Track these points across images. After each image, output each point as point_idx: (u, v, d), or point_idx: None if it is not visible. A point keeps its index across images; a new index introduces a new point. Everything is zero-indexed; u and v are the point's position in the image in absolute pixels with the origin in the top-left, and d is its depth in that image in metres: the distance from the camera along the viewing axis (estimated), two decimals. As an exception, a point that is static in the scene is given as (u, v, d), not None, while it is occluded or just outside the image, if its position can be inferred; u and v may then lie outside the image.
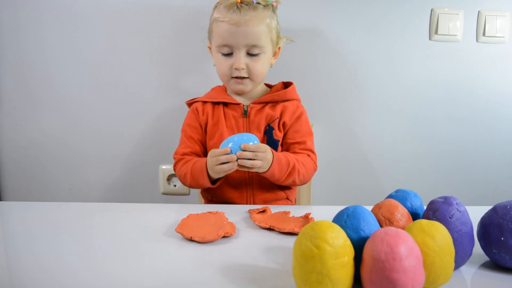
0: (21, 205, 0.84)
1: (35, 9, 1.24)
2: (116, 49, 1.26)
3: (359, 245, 0.47)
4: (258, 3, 0.93)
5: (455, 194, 0.61)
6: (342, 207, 0.52)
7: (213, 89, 1.07)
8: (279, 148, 0.98)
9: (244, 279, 0.52)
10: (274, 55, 1.02)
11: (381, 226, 0.53)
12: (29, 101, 1.29)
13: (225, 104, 1.00)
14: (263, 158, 0.83)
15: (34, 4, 1.23)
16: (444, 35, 1.25)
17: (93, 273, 0.53)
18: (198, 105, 1.02)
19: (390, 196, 0.60)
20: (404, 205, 0.58)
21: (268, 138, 0.96)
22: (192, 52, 1.25)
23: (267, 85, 1.07)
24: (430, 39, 1.26)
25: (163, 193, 1.34)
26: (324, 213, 0.62)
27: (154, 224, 0.70)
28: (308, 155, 0.97)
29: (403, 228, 0.50)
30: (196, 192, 1.27)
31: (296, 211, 0.77)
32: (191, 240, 0.63)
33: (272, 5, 0.97)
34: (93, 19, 1.24)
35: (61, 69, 1.27)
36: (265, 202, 0.97)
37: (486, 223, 0.54)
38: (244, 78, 0.96)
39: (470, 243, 0.52)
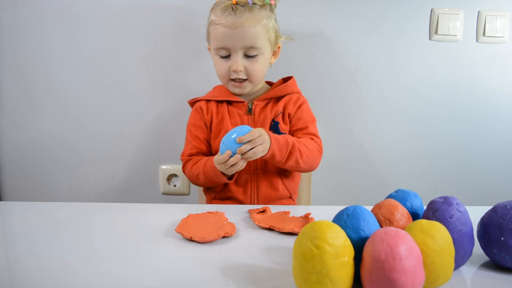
0: (21, 205, 0.84)
1: (35, 9, 1.24)
2: (116, 49, 1.26)
3: (359, 245, 0.47)
4: (254, 3, 0.92)
5: (455, 194, 0.61)
6: (342, 207, 0.52)
7: (215, 87, 1.07)
8: None
9: (244, 279, 0.52)
10: (273, 55, 1.02)
11: (381, 226, 0.53)
12: (29, 101, 1.29)
13: (229, 102, 1.01)
14: (262, 141, 0.84)
15: (34, 4, 1.23)
16: (444, 35, 1.25)
17: (93, 273, 0.53)
18: (202, 104, 1.02)
19: (390, 196, 0.60)
20: (404, 205, 0.58)
21: (275, 133, 0.97)
22: (192, 52, 1.25)
23: (268, 82, 1.08)
24: (430, 39, 1.26)
25: (163, 193, 1.34)
26: (324, 213, 0.62)
27: (154, 224, 0.70)
28: (311, 138, 0.97)
29: (403, 228, 0.50)
30: (196, 192, 1.27)
31: (296, 211, 0.77)
32: (191, 240, 0.63)
33: (270, 5, 0.96)
34: (93, 19, 1.24)
35: (61, 69, 1.27)
36: (269, 200, 0.98)
37: (486, 223, 0.54)
38: (243, 80, 0.97)
39: (470, 243, 0.52)
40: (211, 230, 0.65)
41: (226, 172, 0.88)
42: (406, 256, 0.42)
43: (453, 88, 1.29)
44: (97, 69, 1.27)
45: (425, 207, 0.56)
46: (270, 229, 0.69)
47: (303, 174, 1.11)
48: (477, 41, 1.27)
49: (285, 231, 0.67)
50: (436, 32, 1.25)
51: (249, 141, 0.82)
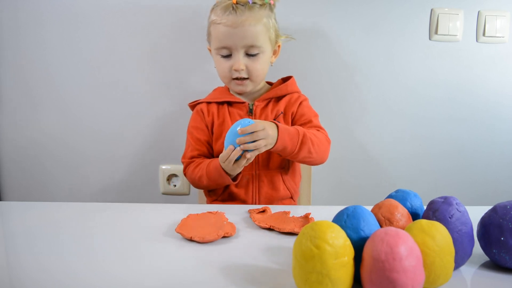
0: (21, 205, 0.84)
1: (35, 9, 1.24)
2: (116, 49, 1.26)
3: (359, 245, 0.47)
4: (254, 2, 0.93)
5: (455, 194, 0.61)
6: (342, 207, 0.52)
7: (215, 89, 1.07)
8: None
9: (244, 279, 0.52)
10: (274, 54, 1.02)
11: (381, 226, 0.53)
12: (29, 101, 1.29)
13: (229, 103, 1.01)
14: (265, 136, 0.82)
15: (34, 4, 1.23)
16: (444, 35, 1.25)
17: (93, 273, 0.53)
18: (203, 106, 1.02)
19: (390, 196, 0.60)
20: (404, 205, 0.58)
21: None
22: (192, 52, 1.25)
23: (268, 82, 1.08)
24: (430, 39, 1.26)
25: (163, 193, 1.34)
26: (324, 213, 0.62)
27: (154, 224, 0.70)
28: (318, 130, 0.97)
29: (403, 228, 0.50)
30: (196, 192, 1.27)
31: (296, 211, 0.77)
32: (191, 240, 0.63)
33: (270, 4, 0.96)
34: (93, 19, 1.24)
35: (61, 69, 1.27)
36: (270, 200, 0.98)
37: (486, 223, 0.54)
38: (244, 79, 0.97)
39: (470, 243, 0.52)
40: (211, 230, 0.65)
41: (230, 171, 0.88)
42: (406, 256, 0.42)
43: (453, 88, 1.29)
44: (97, 69, 1.27)
45: (425, 207, 0.56)
46: (270, 229, 0.69)
47: (303, 174, 1.11)
48: (477, 41, 1.27)
49: (285, 231, 0.67)
50: (436, 32, 1.25)
51: (252, 133, 0.80)
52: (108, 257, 0.59)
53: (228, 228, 0.66)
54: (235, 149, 0.82)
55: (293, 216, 0.74)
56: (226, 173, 0.89)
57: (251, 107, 0.99)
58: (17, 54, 1.26)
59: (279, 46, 1.03)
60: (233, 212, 0.77)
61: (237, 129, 0.81)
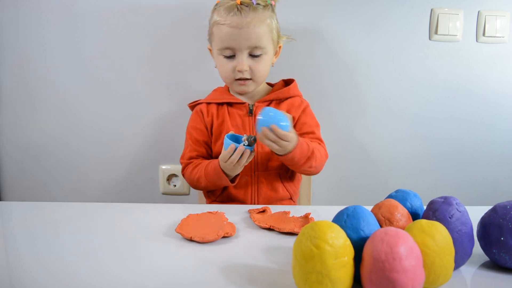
0: (21, 205, 0.84)
1: (35, 9, 1.23)
2: (116, 49, 1.26)
3: (359, 245, 0.47)
4: (258, 3, 0.93)
5: (455, 194, 0.61)
6: (342, 207, 0.52)
7: (215, 90, 1.07)
8: None
9: (244, 279, 0.52)
10: (275, 54, 1.02)
11: (381, 226, 0.53)
12: (29, 101, 1.29)
13: (229, 104, 1.01)
14: (283, 146, 0.83)
15: (34, 4, 1.23)
16: (444, 35, 1.25)
17: (93, 273, 0.53)
18: (203, 107, 1.02)
19: (390, 196, 0.60)
20: (404, 205, 0.58)
21: None
22: (192, 52, 1.25)
23: (268, 83, 1.08)
24: (430, 39, 1.26)
25: (163, 193, 1.34)
26: (324, 213, 0.62)
27: (154, 224, 0.70)
28: (319, 143, 0.98)
29: (403, 228, 0.50)
30: (196, 192, 1.27)
31: (296, 211, 0.77)
32: (191, 240, 0.63)
33: (271, 4, 0.97)
34: (93, 19, 1.24)
35: (61, 69, 1.27)
36: (269, 201, 0.98)
37: (486, 223, 0.54)
38: (247, 79, 0.97)
39: (470, 243, 0.52)
40: (211, 230, 0.65)
41: (230, 171, 0.88)
42: (406, 256, 0.42)
43: (453, 88, 1.29)
44: (97, 69, 1.27)
45: (425, 207, 0.56)
46: (270, 229, 0.69)
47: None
48: (477, 41, 1.27)
49: (285, 231, 0.67)
50: (436, 32, 1.25)
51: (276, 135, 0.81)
52: (108, 257, 0.59)
53: (228, 228, 0.66)
54: (236, 148, 0.82)
55: (293, 216, 0.74)
56: (225, 174, 0.89)
57: (251, 108, 0.99)
58: (17, 54, 1.26)
59: (280, 47, 1.03)
60: (233, 212, 0.77)
61: (272, 122, 0.81)
